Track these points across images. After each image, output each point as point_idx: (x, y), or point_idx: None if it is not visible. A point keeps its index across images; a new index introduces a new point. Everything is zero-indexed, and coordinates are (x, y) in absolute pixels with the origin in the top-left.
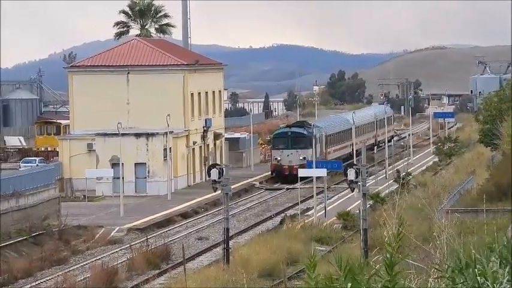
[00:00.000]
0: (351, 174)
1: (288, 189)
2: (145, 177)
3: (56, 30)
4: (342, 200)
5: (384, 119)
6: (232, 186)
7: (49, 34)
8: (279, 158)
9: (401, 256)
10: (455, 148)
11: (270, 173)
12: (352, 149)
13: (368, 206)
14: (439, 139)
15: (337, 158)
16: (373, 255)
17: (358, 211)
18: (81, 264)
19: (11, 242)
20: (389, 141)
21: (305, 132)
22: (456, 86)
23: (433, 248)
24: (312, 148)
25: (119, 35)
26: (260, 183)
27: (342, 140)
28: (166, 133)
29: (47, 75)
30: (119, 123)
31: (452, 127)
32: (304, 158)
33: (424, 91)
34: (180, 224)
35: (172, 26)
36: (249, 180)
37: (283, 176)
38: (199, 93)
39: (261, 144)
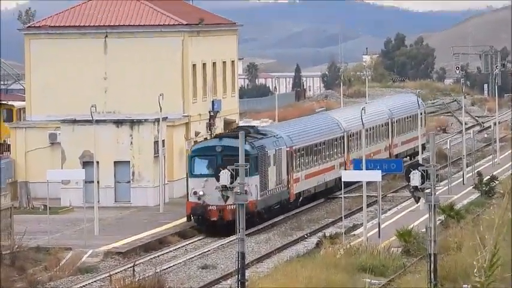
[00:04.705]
0: (415, 178)
1: (328, 198)
2: (129, 182)
3: None
4: (402, 214)
5: (406, 119)
6: None
7: None
8: (201, 193)
9: None
10: None
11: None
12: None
13: (438, 222)
14: None
15: (315, 187)
16: None
17: (424, 229)
18: None
19: None
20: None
21: (247, 148)
22: None
23: None
24: (259, 174)
25: None
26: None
27: (323, 157)
28: (158, 120)
29: None
30: (92, 106)
31: None
32: (246, 191)
33: None
34: (177, 247)
35: None
36: None
37: (209, 223)
38: (203, 64)
39: None
